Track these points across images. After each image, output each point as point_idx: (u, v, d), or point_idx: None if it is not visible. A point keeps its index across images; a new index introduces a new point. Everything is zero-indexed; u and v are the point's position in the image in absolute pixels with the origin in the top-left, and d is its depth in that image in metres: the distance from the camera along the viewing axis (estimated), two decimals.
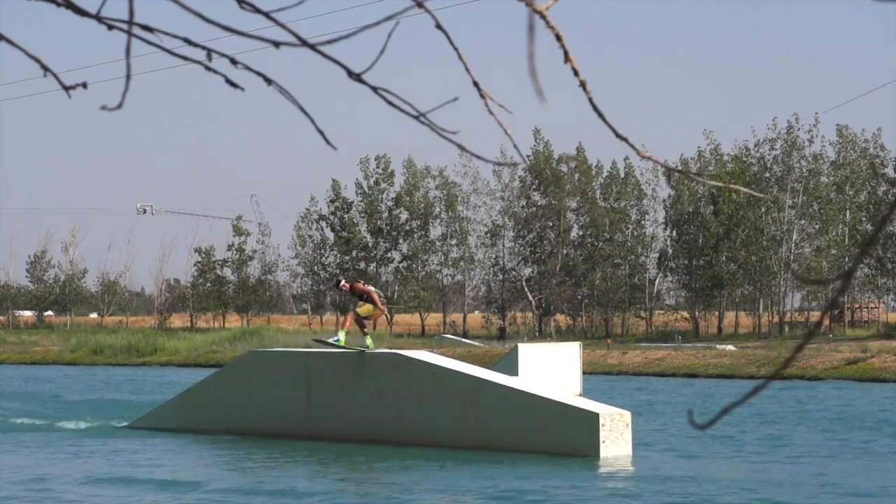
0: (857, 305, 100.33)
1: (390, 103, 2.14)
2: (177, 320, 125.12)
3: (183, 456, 26.68)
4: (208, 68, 2.45)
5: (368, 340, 29.50)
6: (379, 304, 28.94)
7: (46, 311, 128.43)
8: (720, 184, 3.40)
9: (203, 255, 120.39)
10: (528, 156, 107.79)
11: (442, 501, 20.03)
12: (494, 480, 22.00)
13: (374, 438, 27.94)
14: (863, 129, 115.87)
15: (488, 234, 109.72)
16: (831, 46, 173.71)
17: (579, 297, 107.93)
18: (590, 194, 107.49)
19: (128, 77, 2.40)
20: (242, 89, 2.57)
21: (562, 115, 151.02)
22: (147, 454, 26.50)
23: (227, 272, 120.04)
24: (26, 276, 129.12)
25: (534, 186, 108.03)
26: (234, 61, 2.44)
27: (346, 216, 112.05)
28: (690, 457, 25.68)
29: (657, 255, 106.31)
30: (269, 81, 2.47)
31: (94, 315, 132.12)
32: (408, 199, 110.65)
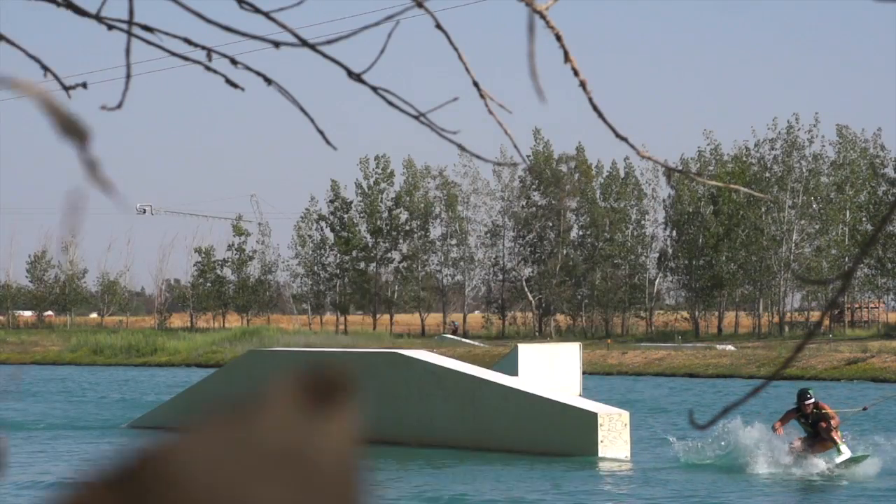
0: (857, 305, 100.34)
1: (390, 103, 2.14)
2: (177, 320, 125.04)
3: None
4: (208, 68, 2.45)
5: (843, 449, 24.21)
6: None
7: (46, 311, 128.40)
8: (720, 184, 3.41)
9: (203, 255, 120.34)
10: (528, 156, 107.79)
11: (440, 502, 20.02)
12: (493, 480, 22.00)
13: (373, 438, 27.94)
14: (863, 129, 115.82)
15: (488, 234, 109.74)
16: (831, 46, 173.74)
17: (579, 297, 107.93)
18: (590, 194, 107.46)
19: (128, 77, 2.40)
20: (242, 89, 2.57)
21: (562, 115, 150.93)
22: None
23: (227, 272, 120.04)
24: (26, 276, 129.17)
25: (534, 186, 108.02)
26: (234, 61, 2.44)
27: (345, 216, 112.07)
28: (689, 457, 25.64)
29: (657, 255, 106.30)
30: (269, 81, 2.47)
31: (94, 315, 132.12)
32: (407, 199, 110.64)
